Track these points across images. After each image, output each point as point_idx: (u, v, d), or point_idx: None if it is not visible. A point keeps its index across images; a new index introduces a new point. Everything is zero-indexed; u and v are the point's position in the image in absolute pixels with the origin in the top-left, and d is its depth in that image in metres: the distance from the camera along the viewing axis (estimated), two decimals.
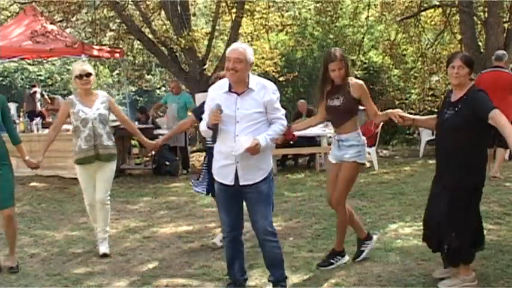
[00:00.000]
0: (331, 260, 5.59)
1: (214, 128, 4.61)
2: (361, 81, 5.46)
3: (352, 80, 5.40)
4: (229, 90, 4.69)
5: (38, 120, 12.02)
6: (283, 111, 4.81)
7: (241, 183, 4.68)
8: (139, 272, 5.65)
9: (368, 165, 5.63)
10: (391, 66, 18.47)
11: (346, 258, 5.69)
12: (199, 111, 5.74)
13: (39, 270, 5.75)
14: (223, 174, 4.75)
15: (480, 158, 4.81)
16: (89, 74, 6.06)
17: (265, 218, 4.73)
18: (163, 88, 24.16)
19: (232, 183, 4.69)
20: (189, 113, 12.69)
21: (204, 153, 13.93)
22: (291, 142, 6.23)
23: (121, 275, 5.55)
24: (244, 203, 4.84)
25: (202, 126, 4.80)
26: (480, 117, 4.60)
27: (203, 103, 5.40)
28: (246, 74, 4.68)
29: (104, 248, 6.24)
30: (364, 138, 5.56)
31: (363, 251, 5.74)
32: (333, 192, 5.48)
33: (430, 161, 12.20)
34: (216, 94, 4.75)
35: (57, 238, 6.98)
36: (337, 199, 5.47)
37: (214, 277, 5.38)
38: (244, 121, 4.60)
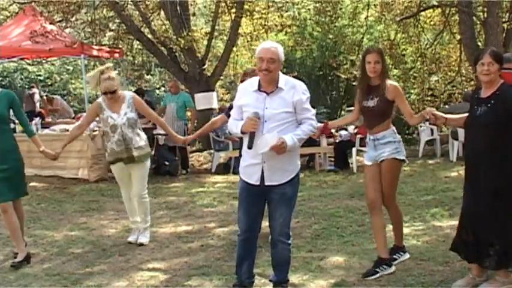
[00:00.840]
0: (394, 256, 5.52)
1: (251, 136, 4.56)
2: (396, 83, 5.44)
3: (388, 82, 5.35)
4: (259, 89, 4.65)
5: (37, 120, 12.02)
6: (313, 111, 4.74)
7: (266, 184, 4.64)
8: (139, 272, 5.65)
9: (407, 162, 5.53)
10: (390, 66, 18.47)
11: (407, 255, 5.63)
12: (229, 112, 5.69)
13: (38, 270, 5.75)
14: (249, 173, 4.72)
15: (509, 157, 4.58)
16: (114, 92, 6.21)
17: (284, 218, 4.70)
18: (162, 88, 24.13)
19: (258, 183, 4.66)
20: (188, 113, 12.74)
21: (203, 153, 14.01)
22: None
23: (120, 275, 5.55)
24: (266, 205, 4.80)
25: (232, 126, 4.79)
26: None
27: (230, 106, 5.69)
28: (278, 73, 4.66)
29: (143, 239, 6.56)
30: (399, 136, 5.47)
31: (396, 259, 5.54)
32: (374, 192, 5.36)
33: (430, 161, 12.23)
34: (245, 92, 4.73)
35: (57, 238, 6.98)
36: (387, 200, 5.42)
37: (214, 277, 5.38)
38: (272, 121, 4.56)
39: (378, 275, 5.22)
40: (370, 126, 5.43)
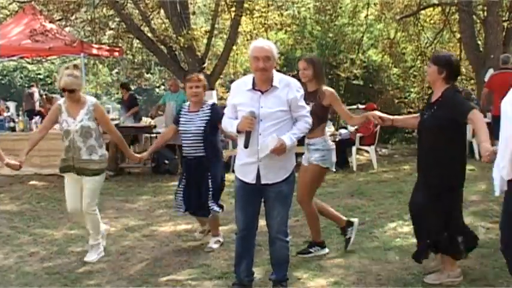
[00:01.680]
0: (310, 249, 5.88)
1: (247, 135, 4.57)
2: (331, 89, 5.76)
3: (323, 88, 5.68)
4: (253, 87, 4.65)
5: (37, 119, 12.02)
6: (307, 108, 4.80)
7: (262, 182, 4.67)
8: (139, 270, 5.65)
9: (331, 169, 5.80)
10: (390, 65, 18.49)
11: (326, 250, 5.93)
12: (178, 118, 6.07)
13: (38, 269, 5.75)
14: (244, 172, 4.75)
15: (456, 158, 4.86)
16: (72, 91, 5.73)
17: (281, 217, 4.73)
18: (162, 87, 24.16)
19: (254, 181, 4.68)
20: None
21: None
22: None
23: (120, 274, 5.55)
24: (262, 203, 4.83)
25: (227, 124, 4.79)
26: (457, 117, 4.69)
27: (179, 111, 6.11)
28: (273, 71, 4.66)
29: (90, 257, 5.98)
30: (332, 143, 5.87)
31: (350, 237, 5.94)
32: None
33: None
34: (239, 91, 4.73)
35: (56, 237, 6.98)
36: (299, 196, 5.76)
37: (213, 276, 5.38)
38: (267, 120, 4.57)
39: (311, 255, 5.81)
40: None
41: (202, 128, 5.93)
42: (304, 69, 5.66)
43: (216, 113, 5.92)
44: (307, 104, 5.30)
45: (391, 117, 5.37)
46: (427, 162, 4.89)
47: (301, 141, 5.11)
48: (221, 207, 6.26)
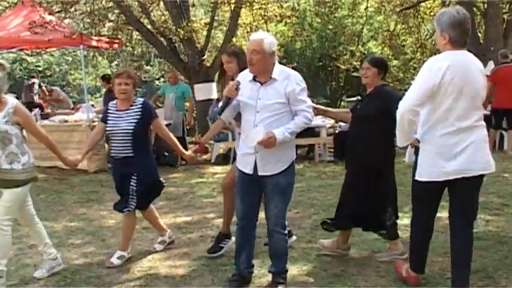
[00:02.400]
0: (220, 245, 5.85)
1: (226, 101, 4.68)
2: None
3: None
4: (254, 79, 4.68)
5: (36, 111, 12.02)
6: (308, 102, 4.71)
7: (259, 174, 4.68)
8: (138, 262, 5.65)
9: None
10: (390, 56, 18.45)
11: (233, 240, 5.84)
12: (106, 117, 5.70)
13: (38, 261, 5.75)
14: (243, 163, 4.79)
15: (387, 145, 5.48)
16: None
17: (278, 210, 4.72)
18: (162, 79, 24.11)
19: (251, 172, 4.71)
20: (187, 103, 12.71)
21: None
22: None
23: (120, 266, 5.55)
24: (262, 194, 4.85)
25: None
26: (392, 106, 4.76)
27: (107, 108, 5.71)
28: (267, 64, 4.64)
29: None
30: None
31: (222, 247, 5.86)
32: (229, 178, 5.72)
33: None
34: (242, 81, 4.75)
35: (56, 229, 6.98)
36: (227, 184, 5.75)
37: (213, 268, 5.39)
38: (264, 111, 4.58)
39: (222, 251, 5.80)
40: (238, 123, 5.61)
41: (132, 128, 5.49)
42: (227, 63, 5.63)
43: (148, 112, 5.62)
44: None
45: (324, 108, 5.83)
46: (360, 150, 5.30)
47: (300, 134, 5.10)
48: (141, 206, 5.86)
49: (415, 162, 4.63)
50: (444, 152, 4.33)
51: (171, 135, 5.91)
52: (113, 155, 5.73)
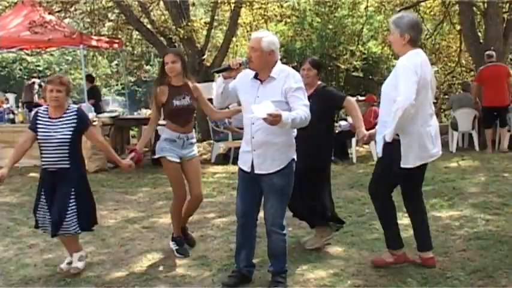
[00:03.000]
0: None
1: (225, 67, 4.76)
2: (197, 83, 5.83)
3: (189, 81, 5.74)
4: (255, 77, 4.71)
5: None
6: (306, 102, 4.63)
7: (256, 172, 4.70)
8: (138, 262, 5.65)
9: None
10: (390, 56, 18.47)
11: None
12: (35, 124, 5.31)
13: (38, 261, 5.75)
14: (243, 160, 4.83)
15: (329, 144, 5.85)
16: None
17: (275, 210, 4.72)
18: None
19: (249, 170, 4.74)
20: None
21: (202, 144, 13.99)
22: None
23: (120, 266, 5.56)
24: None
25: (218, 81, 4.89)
26: (336, 104, 5.70)
27: (36, 115, 5.35)
28: (265, 62, 4.65)
29: None
30: None
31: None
32: (184, 188, 5.73)
33: None
34: (245, 77, 4.78)
35: None
36: (201, 192, 5.86)
37: (213, 267, 5.38)
38: None
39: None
40: (184, 124, 5.67)
41: (69, 136, 5.17)
42: (173, 63, 5.55)
43: (83, 120, 5.32)
44: (183, 98, 5.57)
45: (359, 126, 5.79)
46: (304, 150, 5.21)
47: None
48: (88, 227, 5.45)
49: (388, 155, 5.01)
50: (427, 137, 4.93)
51: (106, 144, 5.68)
52: (45, 166, 5.28)
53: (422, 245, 5.27)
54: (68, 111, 5.25)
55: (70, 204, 5.14)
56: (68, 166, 5.19)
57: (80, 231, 5.28)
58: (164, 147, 5.64)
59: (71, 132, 5.18)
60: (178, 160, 5.64)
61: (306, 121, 4.55)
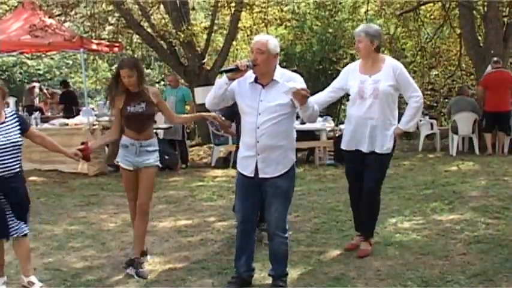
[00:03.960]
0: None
1: (233, 68, 4.61)
2: (156, 88, 5.66)
3: (149, 87, 5.59)
4: (255, 81, 4.67)
5: (36, 114, 12.02)
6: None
7: (260, 176, 4.68)
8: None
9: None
10: None
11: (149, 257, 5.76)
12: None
13: (38, 264, 5.74)
14: (244, 165, 4.78)
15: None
16: None
17: (279, 213, 4.72)
18: (162, 82, 24.12)
19: (252, 175, 4.71)
20: (187, 107, 12.72)
21: (203, 147, 13.99)
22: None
23: (120, 269, 5.55)
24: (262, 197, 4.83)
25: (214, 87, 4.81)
26: None
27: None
28: (270, 65, 4.64)
29: None
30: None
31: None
32: (135, 197, 5.54)
33: (429, 155, 12.25)
34: (244, 82, 4.70)
35: (56, 232, 6.98)
36: (147, 205, 5.54)
37: (213, 271, 5.38)
38: (266, 113, 4.58)
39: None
40: (140, 131, 5.49)
41: (18, 140, 4.95)
42: (129, 77, 5.33)
43: (24, 121, 5.15)
44: (138, 104, 5.41)
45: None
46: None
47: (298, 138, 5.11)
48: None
49: (392, 149, 5.59)
50: None
51: (48, 139, 5.35)
52: None
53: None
54: (7, 115, 5.00)
55: (21, 208, 5.01)
56: (18, 170, 4.99)
57: (26, 231, 5.12)
58: (120, 153, 5.54)
59: (19, 136, 4.98)
60: (130, 168, 5.48)
61: (316, 115, 4.71)
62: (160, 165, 5.67)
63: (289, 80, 4.63)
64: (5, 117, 4.98)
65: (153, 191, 5.78)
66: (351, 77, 5.64)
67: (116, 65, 21.22)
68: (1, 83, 5.11)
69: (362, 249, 5.68)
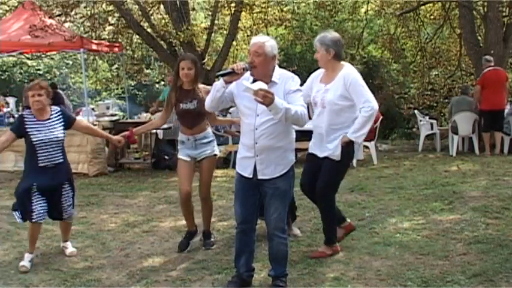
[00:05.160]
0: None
1: (229, 71, 4.62)
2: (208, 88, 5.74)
3: (200, 85, 5.98)
4: (253, 82, 4.62)
5: None
6: (304, 104, 4.69)
7: (259, 177, 4.69)
8: (139, 266, 5.65)
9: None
10: (390, 60, 18.46)
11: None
12: (23, 129, 5.62)
13: (38, 265, 5.75)
14: (243, 166, 4.79)
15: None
16: None
17: (278, 213, 4.73)
18: (162, 82, 24.10)
19: (251, 176, 4.72)
20: None
21: None
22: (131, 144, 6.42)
23: (120, 269, 5.56)
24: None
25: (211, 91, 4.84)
26: None
27: (23, 119, 5.63)
28: (268, 67, 4.63)
29: None
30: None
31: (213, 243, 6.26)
32: (186, 185, 5.92)
33: (430, 156, 12.25)
34: (239, 85, 4.65)
35: (56, 232, 6.96)
36: (207, 192, 6.10)
37: (213, 271, 5.38)
38: (264, 114, 4.57)
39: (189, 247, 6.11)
40: (191, 126, 5.89)
41: (63, 135, 5.72)
42: (188, 69, 5.80)
43: (68, 116, 5.92)
44: (190, 101, 5.78)
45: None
46: None
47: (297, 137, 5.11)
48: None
49: (346, 156, 5.58)
50: None
51: (94, 127, 6.12)
52: (44, 164, 5.64)
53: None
54: (52, 112, 5.76)
55: (69, 193, 5.86)
56: (62, 161, 5.75)
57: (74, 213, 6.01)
58: (179, 148, 6.06)
59: (64, 131, 5.74)
60: (187, 158, 5.95)
61: (301, 118, 4.53)
62: (218, 153, 6.13)
63: (287, 78, 4.65)
64: (50, 114, 5.69)
65: (212, 180, 6.27)
66: (313, 85, 5.73)
67: (116, 65, 21.22)
68: (48, 84, 5.88)
69: (318, 250, 5.76)
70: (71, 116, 6.05)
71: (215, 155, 6.04)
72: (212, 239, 6.26)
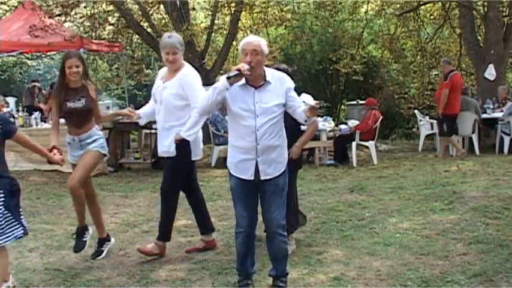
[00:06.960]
0: (102, 248, 5.99)
1: (236, 73, 4.51)
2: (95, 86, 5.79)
3: (89, 83, 5.71)
4: (247, 83, 4.63)
5: (36, 114, 12.00)
6: (302, 103, 4.76)
7: (262, 178, 4.67)
8: (138, 266, 5.65)
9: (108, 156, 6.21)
10: (390, 60, 18.47)
11: (113, 241, 6.17)
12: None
13: (38, 265, 5.75)
14: (241, 169, 4.72)
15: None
16: None
17: (279, 210, 4.73)
18: None
19: (252, 177, 4.68)
20: None
21: (202, 147, 13.96)
22: None
23: (120, 269, 5.55)
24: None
25: (207, 94, 4.79)
26: None
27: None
28: (263, 67, 4.64)
29: None
30: (101, 132, 5.94)
31: (103, 250, 6.01)
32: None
33: (430, 155, 12.24)
34: (231, 88, 4.59)
35: (56, 232, 6.97)
36: (74, 181, 5.58)
37: (213, 271, 5.38)
38: (264, 115, 4.57)
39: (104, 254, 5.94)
40: (79, 126, 5.66)
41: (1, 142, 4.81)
42: (76, 67, 5.56)
43: (7, 122, 4.96)
44: (78, 100, 5.56)
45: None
46: None
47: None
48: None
49: (181, 153, 5.77)
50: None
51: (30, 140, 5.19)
52: None
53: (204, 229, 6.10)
54: None
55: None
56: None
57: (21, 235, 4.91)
58: (67, 149, 5.80)
59: (1, 139, 4.79)
60: (76, 163, 5.73)
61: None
62: (104, 152, 5.79)
63: (281, 78, 4.68)
64: None
65: (88, 174, 5.84)
66: None
67: (116, 65, 21.23)
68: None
69: (144, 247, 5.88)
70: (10, 122, 5.43)
71: (98, 151, 5.69)
72: (104, 248, 5.98)
